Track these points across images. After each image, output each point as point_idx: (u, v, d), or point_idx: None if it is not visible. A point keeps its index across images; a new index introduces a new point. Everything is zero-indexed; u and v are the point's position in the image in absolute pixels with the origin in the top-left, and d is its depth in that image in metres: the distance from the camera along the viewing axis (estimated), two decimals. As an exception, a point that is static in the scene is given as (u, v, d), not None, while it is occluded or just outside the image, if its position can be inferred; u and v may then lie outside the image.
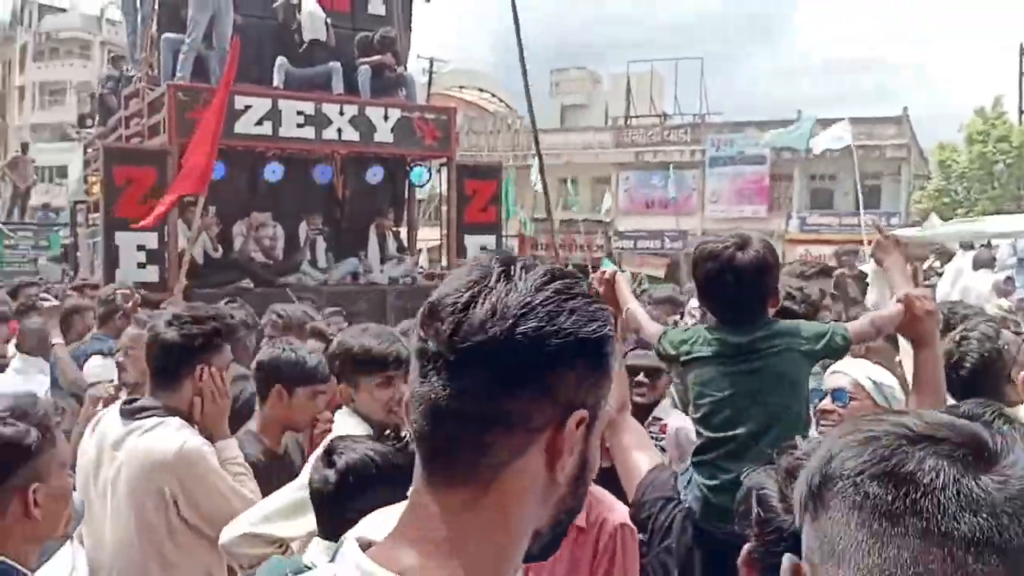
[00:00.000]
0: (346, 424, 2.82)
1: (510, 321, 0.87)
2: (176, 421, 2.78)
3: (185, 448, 2.71)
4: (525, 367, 0.88)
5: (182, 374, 2.83)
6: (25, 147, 25.82)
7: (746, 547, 1.38)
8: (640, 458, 2.43)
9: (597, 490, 2.27)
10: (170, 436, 2.73)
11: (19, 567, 1.79)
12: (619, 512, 2.30)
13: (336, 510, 2.03)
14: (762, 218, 31.53)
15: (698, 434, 2.41)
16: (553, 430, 0.90)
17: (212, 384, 2.82)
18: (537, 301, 0.88)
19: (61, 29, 54.70)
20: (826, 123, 26.95)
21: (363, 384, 2.90)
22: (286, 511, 2.40)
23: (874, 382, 2.83)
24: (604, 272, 2.90)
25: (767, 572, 1.32)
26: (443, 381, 0.89)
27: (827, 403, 2.89)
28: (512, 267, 0.92)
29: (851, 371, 2.94)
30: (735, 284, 2.29)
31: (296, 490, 2.42)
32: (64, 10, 55.66)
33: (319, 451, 2.53)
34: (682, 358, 2.41)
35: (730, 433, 2.29)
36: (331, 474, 2.04)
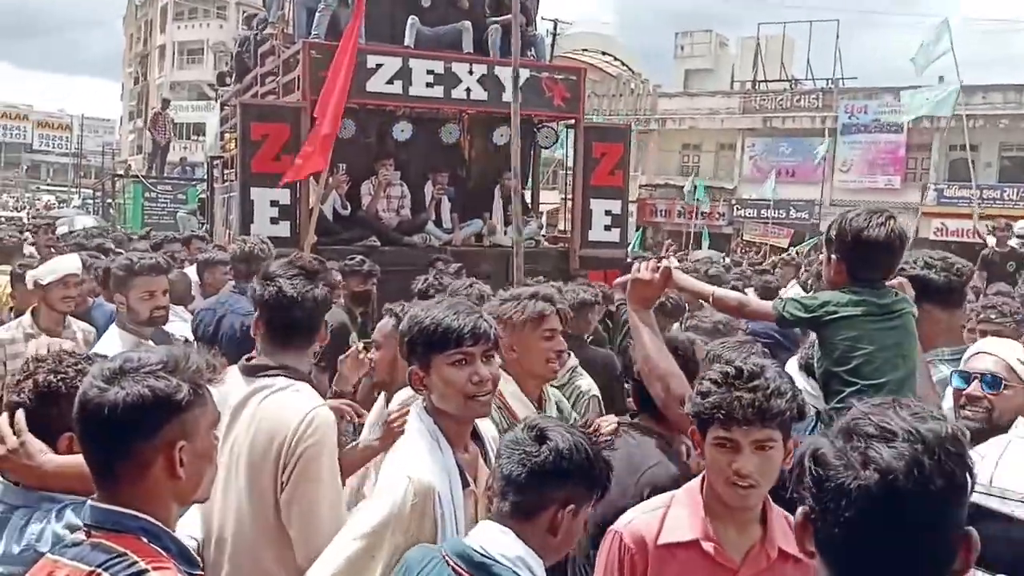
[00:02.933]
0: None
1: None
2: (308, 388, 2.65)
3: (316, 416, 2.54)
4: None
5: (314, 333, 2.75)
6: (166, 103, 26.87)
7: (800, 510, 1.30)
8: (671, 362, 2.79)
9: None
10: (303, 400, 2.59)
11: (164, 527, 1.69)
12: None
13: (529, 490, 1.93)
14: (895, 189, 30.19)
15: (847, 383, 2.65)
16: None
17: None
18: None
19: (199, -10, 56.62)
20: (971, 90, 25.49)
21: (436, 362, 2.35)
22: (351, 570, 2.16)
23: None
24: (658, 265, 2.94)
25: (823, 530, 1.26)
26: None
27: (976, 388, 2.69)
28: None
29: (1002, 353, 2.72)
30: (899, 251, 2.73)
31: (356, 539, 2.18)
32: (202, -29, 57.55)
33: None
34: (825, 318, 2.69)
35: (882, 380, 2.64)
36: (542, 450, 1.93)
